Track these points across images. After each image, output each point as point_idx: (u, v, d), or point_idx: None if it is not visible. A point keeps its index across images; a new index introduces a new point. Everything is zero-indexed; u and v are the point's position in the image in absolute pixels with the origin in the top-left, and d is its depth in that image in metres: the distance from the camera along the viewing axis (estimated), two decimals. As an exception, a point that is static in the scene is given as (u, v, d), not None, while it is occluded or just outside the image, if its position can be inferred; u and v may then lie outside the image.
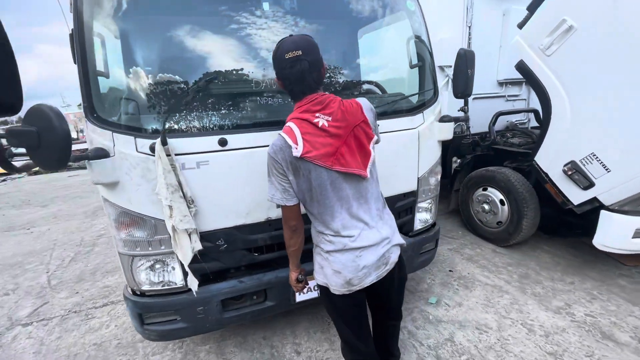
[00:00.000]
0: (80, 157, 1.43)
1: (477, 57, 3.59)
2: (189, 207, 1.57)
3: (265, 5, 1.80)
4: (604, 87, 2.26)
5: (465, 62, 2.12)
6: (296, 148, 1.21)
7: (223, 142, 1.62)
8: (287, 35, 1.29)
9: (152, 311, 1.74)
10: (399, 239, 1.47)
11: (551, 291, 2.61)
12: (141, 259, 1.67)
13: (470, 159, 3.78)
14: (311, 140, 1.22)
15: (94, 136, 1.51)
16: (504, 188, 3.20)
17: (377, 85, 2.13)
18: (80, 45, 1.50)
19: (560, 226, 3.11)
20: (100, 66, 1.57)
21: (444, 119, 2.17)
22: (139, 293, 1.75)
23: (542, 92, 2.63)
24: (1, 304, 2.96)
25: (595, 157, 2.36)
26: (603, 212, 2.44)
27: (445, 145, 3.92)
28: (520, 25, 2.77)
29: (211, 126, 1.64)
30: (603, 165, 2.32)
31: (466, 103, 2.33)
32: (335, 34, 2.19)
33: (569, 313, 2.35)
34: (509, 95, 4.26)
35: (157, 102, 1.61)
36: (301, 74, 1.22)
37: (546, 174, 2.72)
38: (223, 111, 1.70)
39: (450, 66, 3.60)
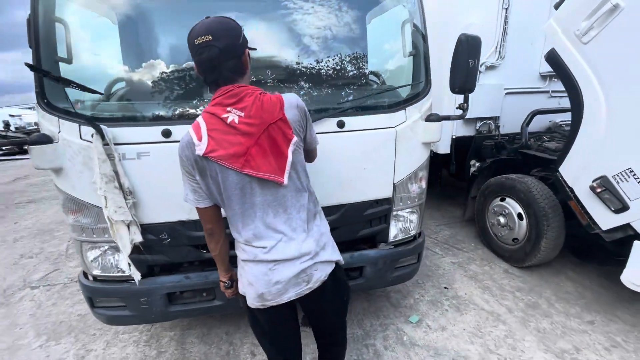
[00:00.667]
0: (20, 141, 1.47)
1: (516, 46, 3.10)
2: (125, 199, 1.54)
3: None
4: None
5: (465, 50, 1.79)
6: (199, 145, 1.08)
7: (167, 134, 1.55)
8: (204, 18, 1.14)
9: (100, 296, 1.78)
10: (330, 255, 1.29)
11: (560, 329, 2.19)
12: (89, 245, 1.70)
13: (491, 164, 3.31)
14: (218, 137, 1.07)
15: (43, 122, 1.53)
16: (524, 200, 2.75)
17: (359, 75, 1.89)
18: (35, 29, 1.51)
19: (595, 250, 2.59)
20: (62, 53, 1.58)
21: (430, 118, 1.87)
22: (90, 277, 1.79)
23: (574, 88, 2.15)
24: (23, 265, 3.32)
25: (632, 174, 1.88)
26: (637, 244, 1.95)
27: (466, 145, 3.53)
28: (557, 6, 2.28)
29: (155, 116, 1.59)
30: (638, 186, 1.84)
31: (466, 100, 1.99)
32: (308, 16, 1.96)
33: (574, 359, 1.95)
34: (553, 91, 3.64)
35: (99, 89, 1.58)
36: (210, 61, 1.07)
37: (571, 189, 2.26)
38: (168, 101, 1.63)
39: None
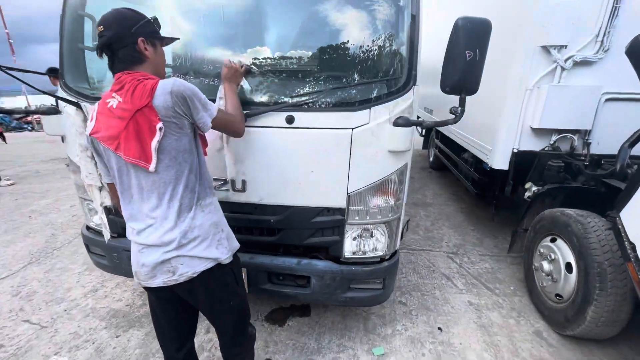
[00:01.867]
0: (35, 111, 1.87)
1: (629, 34, 2.12)
2: (96, 167, 1.81)
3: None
4: None
5: (462, 38, 1.40)
6: (89, 125, 1.20)
7: None
8: None
9: (91, 244, 2.15)
10: (203, 252, 1.25)
11: None
12: (86, 201, 2.07)
13: (550, 191, 2.50)
14: (101, 120, 1.16)
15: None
16: (577, 247, 2.00)
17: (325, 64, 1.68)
18: (61, 22, 1.88)
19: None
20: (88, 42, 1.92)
21: (397, 122, 1.53)
22: (86, 228, 2.18)
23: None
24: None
25: None
26: None
27: (527, 163, 2.76)
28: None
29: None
30: None
31: (462, 103, 1.55)
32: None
33: None
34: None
35: (89, 71, 1.87)
36: (101, 49, 1.17)
37: (632, 247, 1.53)
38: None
39: (564, 47, 2.48)
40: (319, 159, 1.63)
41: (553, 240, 2.26)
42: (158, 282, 1.23)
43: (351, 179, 1.64)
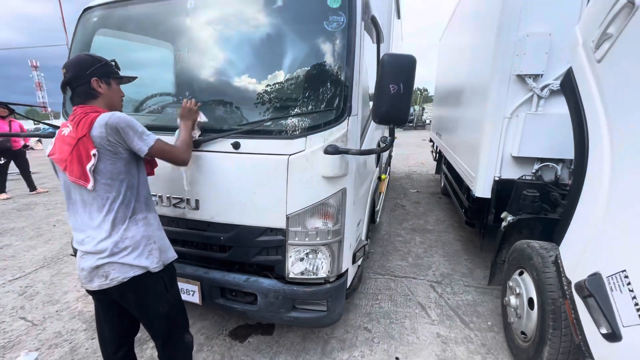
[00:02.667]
0: (36, 135, 2.20)
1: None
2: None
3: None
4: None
5: (388, 73, 1.51)
6: (48, 147, 1.45)
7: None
8: None
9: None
10: (134, 260, 1.41)
11: None
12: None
13: (520, 221, 2.40)
14: (57, 144, 1.41)
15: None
16: (536, 282, 1.91)
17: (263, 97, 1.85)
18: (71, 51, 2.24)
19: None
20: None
21: (327, 150, 1.63)
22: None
23: (581, 131, 1.40)
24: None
25: (627, 281, 1.09)
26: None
27: (510, 191, 2.68)
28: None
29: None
30: (636, 303, 1.05)
31: (391, 133, 1.63)
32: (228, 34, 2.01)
33: None
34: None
35: None
36: (63, 87, 1.44)
37: (568, 282, 1.46)
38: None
39: (539, 75, 2.48)
40: (261, 182, 1.76)
41: (521, 274, 2.15)
42: (95, 285, 1.40)
43: (289, 201, 1.74)
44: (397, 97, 1.51)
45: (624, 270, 1.09)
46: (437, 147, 7.04)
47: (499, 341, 2.34)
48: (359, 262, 2.34)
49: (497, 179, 2.77)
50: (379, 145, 1.63)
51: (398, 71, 1.50)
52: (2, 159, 5.95)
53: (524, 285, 2.06)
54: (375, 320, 2.57)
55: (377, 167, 3.09)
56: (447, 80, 6.14)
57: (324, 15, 1.71)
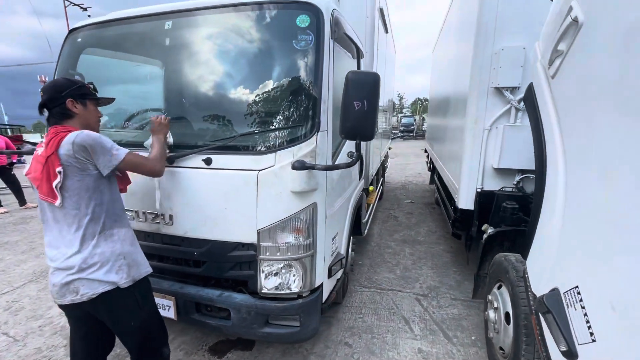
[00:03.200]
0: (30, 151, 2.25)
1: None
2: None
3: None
4: (613, 155, 0.99)
5: (353, 90, 1.55)
6: (25, 167, 1.49)
7: None
8: None
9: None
10: (103, 276, 1.42)
11: None
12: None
13: (499, 233, 2.39)
14: (32, 163, 1.45)
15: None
16: (511, 295, 1.89)
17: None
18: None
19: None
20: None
21: (294, 165, 1.65)
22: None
23: (540, 145, 1.41)
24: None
25: (579, 297, 1.09)
26: None
27: (489, 203, 2.68)
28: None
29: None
30: (587, 320, 1.04)
31: (357, 148, 1.65)
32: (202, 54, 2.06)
33: None
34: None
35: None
36: (40, 108, 1.49)
37: (534, 297, 1.44)
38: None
39: (516, 88, 2.51)
40: (232, 197, 1.78)
41: (499, 287, 2.14)
42: (67, 300, 1.42)
43: (260, 216, 1.76)
44: (362, 113, 1.55)
45: (577, 287, 1.09)
46: (430, 157, 7.06)
47: (482, 357, 2.31)
48: (338, 276, 2.34)
49: (479, 190, 2.77)
50: (358, 158, 1.66)
51: (362, 88, 1.54)
52: None
53: (501, 299, 2.04)
54: (357, 334, 2.54)
55: (361, 179, 3.11)
56: (437, 91, 6.20)
57: (293, 34, 1.77)
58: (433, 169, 6.78)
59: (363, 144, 3.11)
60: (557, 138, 1.28)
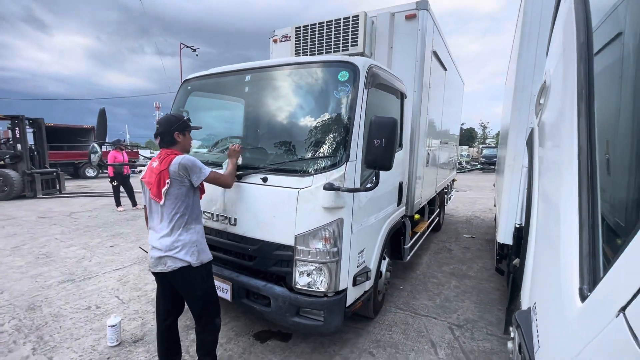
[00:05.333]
0: (129, 164, 3.19)
1: None
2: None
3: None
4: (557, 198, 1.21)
5: (374, 130, 2.01)
6: (141, 173, 2.26)
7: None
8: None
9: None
10: (183, 256, 2.05)
11: None
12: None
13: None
14: (147, 171, 2.20)
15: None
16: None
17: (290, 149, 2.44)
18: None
19: None
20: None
21: (325, 186, 2.10)
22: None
23: (530, 181, 1.60)
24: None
25: (535, 311, 1.27)
26: None
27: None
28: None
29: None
30: (537, 330, 1.23)
31: (376, 176, 2.04)
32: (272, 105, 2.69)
33: None
34: None
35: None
36: (156, 137, 2.25)
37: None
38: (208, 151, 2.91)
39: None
40: (279, 208, 2.31)
41: (520, 320, 2.17)
42: (158, 269, 2.08)
43: (297, 224, 2.24)
44: (381, 149, 1.94)
45: (535, 303, 1.26)
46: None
47: (503, 390, 2.31)
48: (366, 288, 2.64)
49: (517, 225, 2.81)
50: (376, 184, 2.07)
51: (382, 130, 1.95)
52: (115, 181, 7.88)
53: (517, 330, 2.09)
54: (382, 347, 2.76)
55: (399, 205, 3.38)
56: (502, 125, 6.05)
57: (335, 85, 2.29)
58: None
59: (405, 173, 3.43)
60: (536, 181, 1.48)
